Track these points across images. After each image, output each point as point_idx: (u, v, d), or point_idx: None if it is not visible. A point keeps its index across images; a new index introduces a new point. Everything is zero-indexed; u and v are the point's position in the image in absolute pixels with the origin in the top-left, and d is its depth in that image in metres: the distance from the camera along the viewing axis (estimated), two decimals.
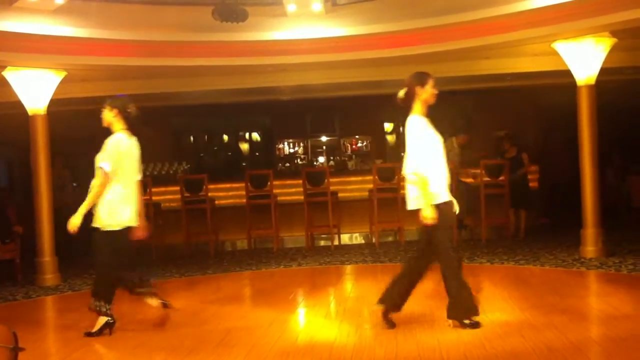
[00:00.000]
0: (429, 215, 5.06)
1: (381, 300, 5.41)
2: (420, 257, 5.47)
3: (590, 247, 8.48)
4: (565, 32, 8.08)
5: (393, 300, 5.38)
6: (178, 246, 10.77)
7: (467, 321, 5.15)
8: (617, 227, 10.18)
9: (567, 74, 8.69)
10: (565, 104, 9.32)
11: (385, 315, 5.36)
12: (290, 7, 8.24)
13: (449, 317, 5.25)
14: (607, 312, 5.69)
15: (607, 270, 7.62)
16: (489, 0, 7.88)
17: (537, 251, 9.07)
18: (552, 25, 7.90)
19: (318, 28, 8.64)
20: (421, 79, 5.34)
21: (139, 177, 6.02)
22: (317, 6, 8.23)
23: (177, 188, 10.71)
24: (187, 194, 10.63)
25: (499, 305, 6.07)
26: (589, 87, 8.53)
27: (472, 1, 8.00)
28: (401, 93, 5.41)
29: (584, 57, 8.43)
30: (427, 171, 5.12)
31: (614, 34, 8.23)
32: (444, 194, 5.19)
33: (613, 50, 8.51)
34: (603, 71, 8.57)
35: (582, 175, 8.62)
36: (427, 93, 5.30)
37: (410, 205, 5.30)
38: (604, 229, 8.59)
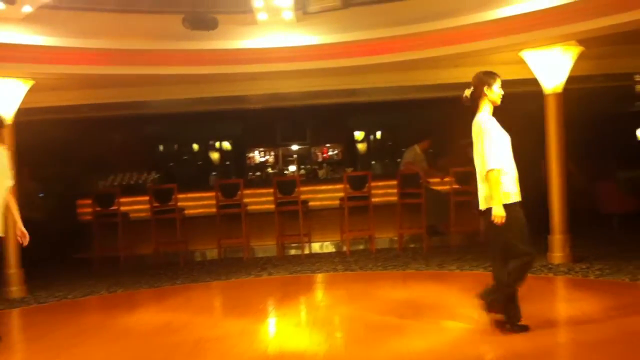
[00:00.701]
0: (499, 214, 4.98)
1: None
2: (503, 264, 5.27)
3: (557, 253, 8.56)
4: (533, 41, 8.18)
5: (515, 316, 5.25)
6: (147, 257, 10.63)
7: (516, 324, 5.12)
8: (585, 233, 10.30)
9: (535, 82, 8.80)
10: (533, 112, 9.41)
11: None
12: (261, 16, 8.24)
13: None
14: (575, 317, 5.74)
15: (575, 276, 7.69)
16: (459, 9, 7.97)
17: None
18: (520, 34, 8.00)
19: (289, 36, 8.65)
20: (488, 79, 5.30)
21: (10, 183, 5.91)
22: (288, 14, 8.24)
23: (146, 198, 10.59)
24: (156, 204, 10.52)
25: (468, 312, 6.08)
26: (556, 95, 8.64)
27: (443, 10, 8.07)
28: (467, 92, 5.35)
29: (551, 66, 8.55)
30: (501, 170, 5.05)
31: (580, 42, 8.36)
32: (515, 194, 5.15)
33: (580, 58, 8.64)
34: (570, 79, 8.70)
35: (549, 181, 8.72)
36: (493, 93, 5.27)
37: (482, 205, 5.22)
38: (572, 235, 8.68)
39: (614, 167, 12.97)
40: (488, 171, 5.02)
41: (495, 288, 5.21)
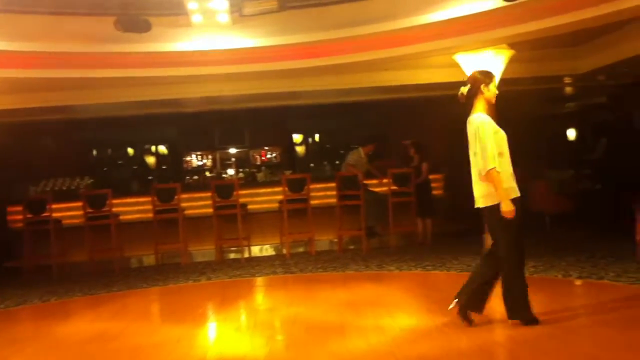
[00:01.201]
0: (509, 209, 5.04)
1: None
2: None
3: None
4: (465, 44, 8.36)
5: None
6: (81, 264, 10.35)
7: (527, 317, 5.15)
8: None
9: None
10: (467, 114, 9.59)
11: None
12: (196, 18, 8.12)
13: (511, 318, 5.22)
14: None
15: None
16: (394, 13, 8.05)
17: (444, 257, 9.29)
18: (452, 38, 8.16)
19: (225, 39, 8.55)
20: (486, 78, 5.32)
21: None
22: (224, 17, 8.14)
23: (80, 204, 10.31)
24: (90, 210, 10.25)
25: (407, 311, 6.16)
26: None
27: (378, 14, 8.14)
28: (463, 90, 5.33)
29: (484, 69, 8.73)
30: (500, 168, 5.08)
31: (511, 46, 8.60)
32: (515, 190, 5.20)
33: (511, 61, 8.89)
34: (503, 82, 8.92)
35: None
36: (490, 92, 5.29)
37: (479, 203, 5.27)
38: None
39: (545, 167, 13.39)
40: (489, 170, 5.07)
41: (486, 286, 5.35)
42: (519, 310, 5.20)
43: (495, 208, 5.11)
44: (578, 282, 7.08)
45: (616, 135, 11.95)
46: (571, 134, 16.14)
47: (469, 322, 5.24)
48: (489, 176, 5.09)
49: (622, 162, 11.28)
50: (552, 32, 7.67)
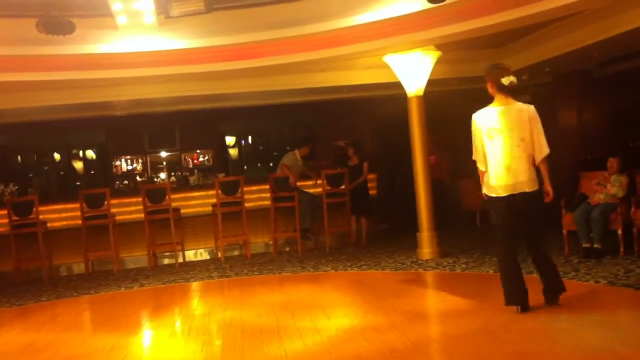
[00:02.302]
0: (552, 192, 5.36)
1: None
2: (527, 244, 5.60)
3: (426, 249, 8.94)
4: (394, 45, 8.47)
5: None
6: (7, 274, 9.97)
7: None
8: (450, 229, 10.81)
9: (399, 85, 9.14)
10: (398, 113, 9.75)
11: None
12: (121, 19, 7.94)
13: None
14: (444, 310, 6.00)
15: (443, 270, 8.06)
16: (323, 14, 8.07)
17: (379, 256, 9.41)
18: (382, 39, 8.24)
19: (152, 41, 8.39)
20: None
21: None
22: (150, 18, 7.98)
23: (4, 212, 9.93)
24: (15, 218, 9.89)
25: (343, 311, 6.21)
26: (418, 97, 9.03)
27: (307, 15, 8.14)
28: (514, 80, 5.55)
29: (413, 70, 8.91)
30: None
31: (438, 47, 8.78)
32: None
33: (439, 62, 9.08)
34: (431, 82, 9.11)
35: (415, 181, 9.08)
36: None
37: (525, 188, 5.37)
38: (438, 231, 9.08)
39: (473, 165, 13.70)
40: (546, 156, 5.36)
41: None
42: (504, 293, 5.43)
43: (539, 192, 5.36)
44: None
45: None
46: None
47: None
48: (545, 161, 5.38)
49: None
50: (477, 34, 7.86)
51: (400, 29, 7.99)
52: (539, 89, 11.89)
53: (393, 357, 4.58)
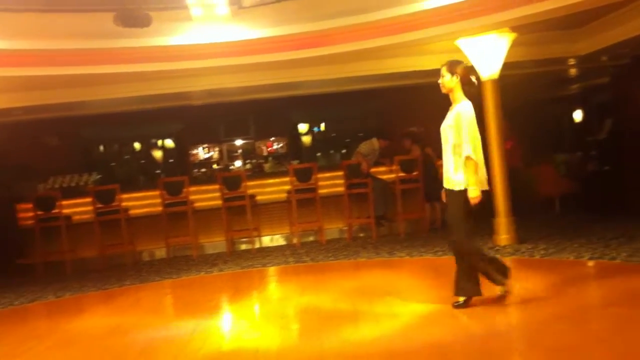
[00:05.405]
0: None
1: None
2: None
3: (503, 235, 8.79)
4: (468, 29, 8.33)
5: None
6: (93, 259, 10.43)
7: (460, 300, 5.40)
8: (528, 215, 10.58)
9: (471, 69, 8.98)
10: (470, 98, 9.58)
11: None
12: (195, 11, 8.13)
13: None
14: (523, 296, 5.89)
15: (521, 256, 7.90)
16: (395, 0, 8.04)
17: None
18: (455, 23, 8.13)
19: (225, 31, 8.56)
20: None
21: None
22: (223, 9, 8.14)
23: (89, 200, 10.37)
24: (99, 205, 10.32)
25: (420, 297, 6.20)
26: (493, 81, 8.85)
27: (379, 2, 8.13)
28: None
29: (487, 53, 8.74)
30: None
31: (514, 29, 8.57)
32: None
33: (514, 45, 8.86)
34: (506, 66, 8.91)
35: (491, 166, 8.92)
36: None
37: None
38: (516, 217, 8.91)
39: (550, 150, 13.36)
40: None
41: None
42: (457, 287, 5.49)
43: None
44: (590, 264, 7.08)
45: (621, 115, 11.92)
46: (577, 115, 16.10)
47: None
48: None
49: (628, 142, 11.25)
50: (554, 14, 7.64)
51: (474, 12, 7.86)
52: (618, 70, 11.46)
53: (471, 343, 4.56)
